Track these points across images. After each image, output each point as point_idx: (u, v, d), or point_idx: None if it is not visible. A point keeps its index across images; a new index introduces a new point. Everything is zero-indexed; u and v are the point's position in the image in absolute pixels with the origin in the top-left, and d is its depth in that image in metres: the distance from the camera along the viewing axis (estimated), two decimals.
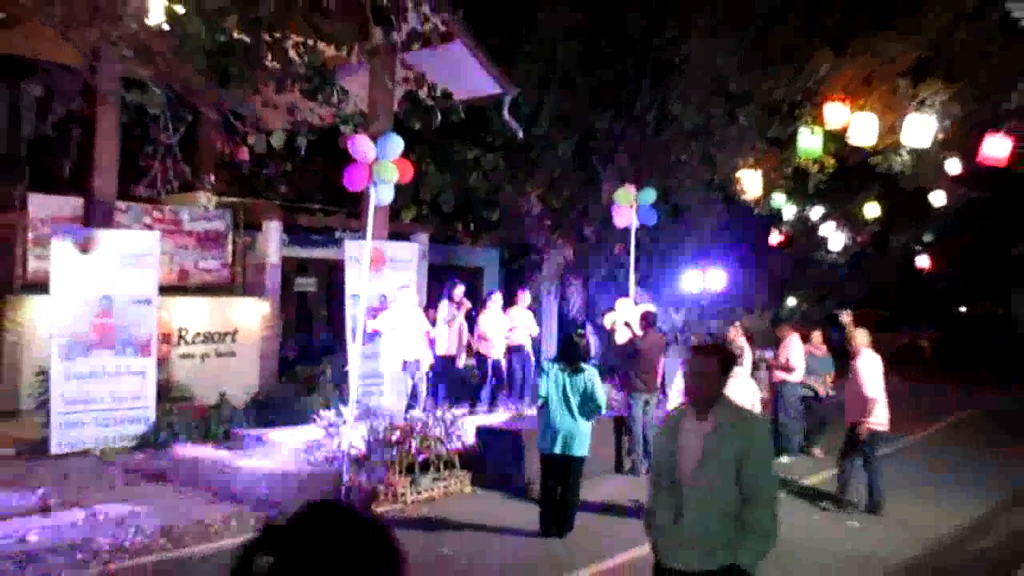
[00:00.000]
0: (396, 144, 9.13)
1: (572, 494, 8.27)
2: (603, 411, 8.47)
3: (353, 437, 9.16)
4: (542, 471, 8.33)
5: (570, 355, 8.25)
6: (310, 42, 7.59)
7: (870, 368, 9.31)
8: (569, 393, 8.11)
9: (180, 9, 6.32)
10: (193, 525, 8.01)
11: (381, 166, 9.06)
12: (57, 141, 12.21)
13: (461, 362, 13.81)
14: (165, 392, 11.76)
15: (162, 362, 11.98)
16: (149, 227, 12.60)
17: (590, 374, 8.20)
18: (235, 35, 6.49)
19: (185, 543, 7.66)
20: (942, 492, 10.54)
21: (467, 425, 10.49)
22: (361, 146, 9.03)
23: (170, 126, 8.87)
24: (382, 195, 9.25)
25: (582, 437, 8.17)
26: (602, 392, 8.24)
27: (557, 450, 8.12)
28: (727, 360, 4.30)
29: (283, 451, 9.69)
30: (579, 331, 8.54)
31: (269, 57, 7.05)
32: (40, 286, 10.95)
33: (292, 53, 7.85)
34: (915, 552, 8.23)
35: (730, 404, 4.19)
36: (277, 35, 6.87)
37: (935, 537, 8.72)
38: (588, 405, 8.11)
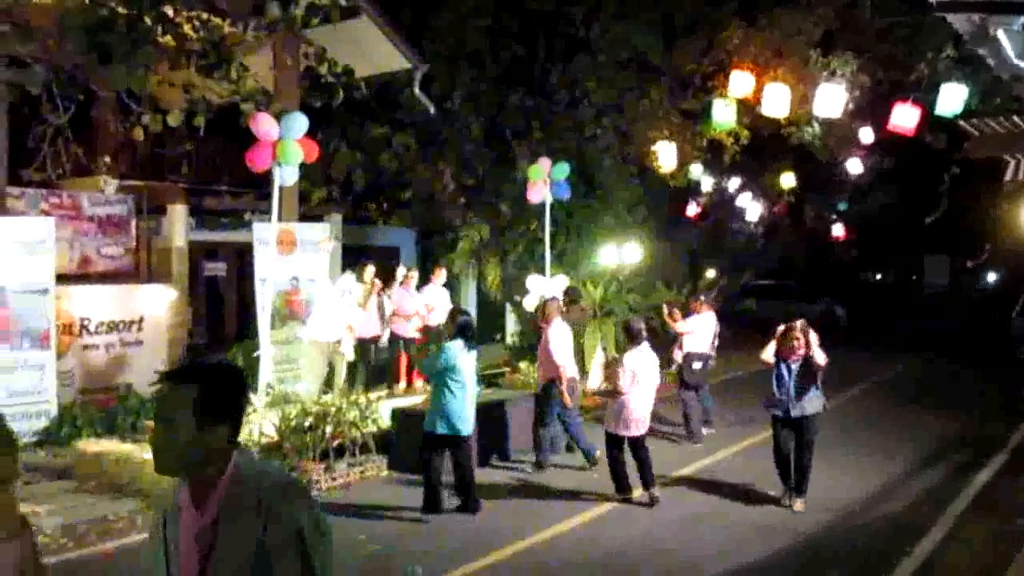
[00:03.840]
0: (300, 123, 8.93)
1: (471, 470, 8.33)
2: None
3: (263, 424, 8.97)
4: (433, 452, 8.22)
5: (465, 333, 8.22)
6: (205, 17, 7.32)
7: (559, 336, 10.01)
8: (466, 371, 8.13)
9: None
10: (97, 522, 7.79)
11: (285, 146, 8.85)
12: None
13: (383, 343, 13.63)
14: (68, 385, 11.37)
15: (65, 354, 11.57)
16: (47, 213, 12.14)
17: (478, 350, 8.38)
18: (118, 10, 6.22)
19: (89, 541, 7.43)
20: (854, 459, 10.77)
21: (383, 408, 10.37)
22: (263, 125, 8.81)
23: (60, 106, 8.49)
24: (287, 176, 9.05)
25: (473, 413, 8.29)
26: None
27: (466, 430, 8.15)
28: (212, 391, 2.48)
29: None
30: (463, 309, 8.55)
31: (160, 32, 6.80)
32: None
33: (187, 28, 7.59)
34: (829, 518, 8.40)
35: (246, 473, 2.50)
36: (164, 9, 6.61)
37: (848, 502, 8.91)
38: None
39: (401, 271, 13.78)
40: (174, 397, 2.48)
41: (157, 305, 13.03)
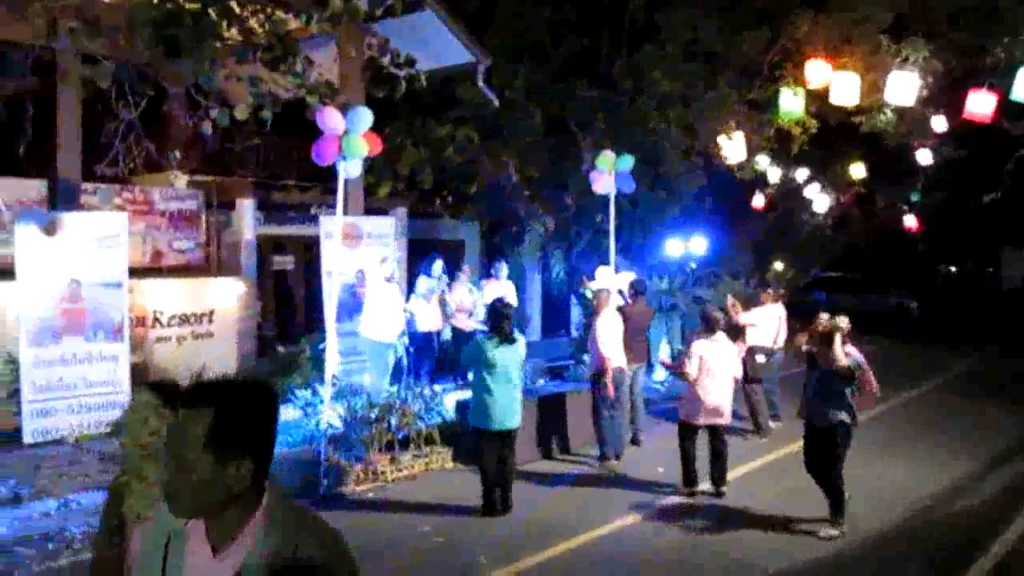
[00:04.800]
0: (365, 117, 8.94)
1: (512, 466, 8.21)
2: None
3: (331, 416, 9.02)
4: (486, 449, 8.07)
5: (499, 326, 8.04)
6: (269, 10, 7.37)
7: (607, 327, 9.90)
8: (505, 365, 7.96)
9: None
10: None
11: (350, 139, 8.87)
12: (9, 122, 11.91)
13: (446, 335, 13.68)
14: (142, 376, 11.58)
15: (138, 346, 11.80)
16: (120, 208, 12.37)
17: (521, 344, 8.15)
18: (184, 4, 6.28)
19: None
20: (928, 454, 10.50)
21: (448, 400, 10.38)
22: (330, 119, 8.84)
23: (131, 102, 8.62)
24: (351, 169, 9.06)
25: (518, 407, 8.12)
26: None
27: (507, 425, 8.01)
28: (230, 416, 2.10)
29: None
30: (504, 303, 8.37)
31: (226, 27, 6.85)
32: (7, 272, 10.71)
33: (253, 23, 7.65)
34: (903, 513, 8.18)
35: (282, 521, 2.15)
36: (229, 4, 6.66)
37: (922, 497, 8.68)
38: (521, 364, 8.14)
39: (461, 268, 13.81)
40: (185, 425, 2.07)
41: (227, 298, 13.22)
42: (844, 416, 7.57)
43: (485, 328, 12.11)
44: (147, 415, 3.20)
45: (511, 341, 8.02)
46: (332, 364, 9.38)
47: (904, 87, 13.13)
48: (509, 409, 8.00)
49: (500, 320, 8.06)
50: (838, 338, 7.61)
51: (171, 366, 12.23)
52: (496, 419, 7.97)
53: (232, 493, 2.06)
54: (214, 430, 2.03)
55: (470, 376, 8.28)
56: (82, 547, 6.97)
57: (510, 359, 8.00)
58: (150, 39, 6.22)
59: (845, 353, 7.66)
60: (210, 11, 6.43)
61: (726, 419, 8.78)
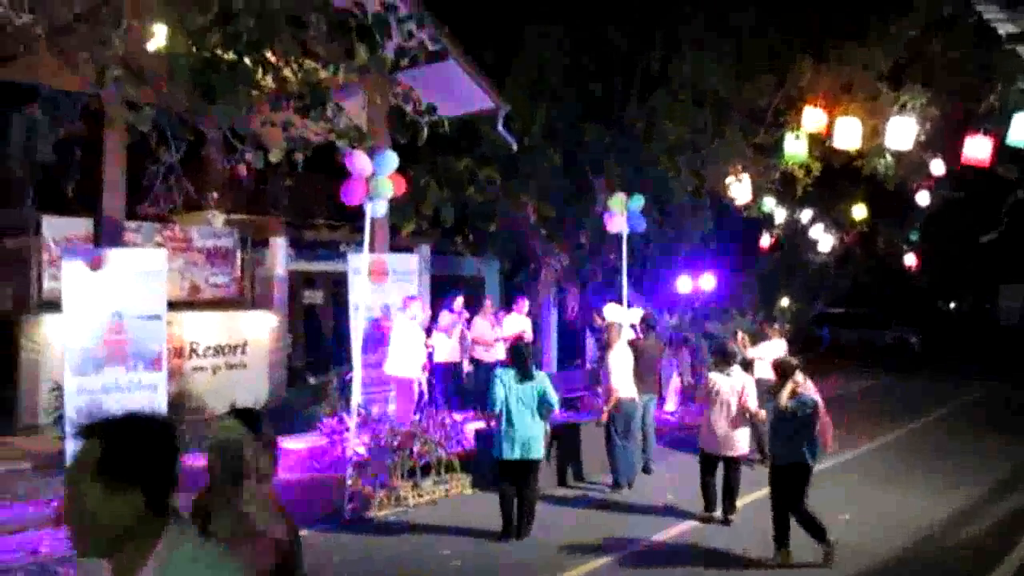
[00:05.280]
0: (391, 160, 9.04)
1: (532, 496, 8.16)
2: (556, 410, 8.38)
3: (356, 443, 9.01)
4: (500, 476, 8.15)
5: (519, 364, 8.10)
6: (301, 61, 7.48)
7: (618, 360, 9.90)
8: (523, 399, 7.99)
9: (163, 29, 6.25)
10: None
11: (377, 181, 8.96)
12: (59, 163, 12.11)
13: (465, 368, 13.71)
14: (178, 404, 11.62)
15: (174, 375, 11.85)
16: (160, 245, 12.49)
17: (540, 379, 8.13)
18: (220, 54, 6.38)
19: None
20: (930, 483, 10.37)
21: (468, 429, 10.36)
22: (358, 162, 8.94)
23: (171, 145, 8.74)
24: (378, 208, 9.14)
25: (538, 440, 8.05)
26: (554, 393, 8.18)
27: (516, 455, 7.99)
28: (117, 447, 2.05)
29: (289, 458, 9.55)
30: (524, 340, 8.40)
31: (261, 74, 6.95)
32: (55, 305, 10.81)
33: (287, 72, 7.75)
34: (905, 542, 8.07)
35: (173, 557, 2.04)
36: (264, 54, 6.76)
37: (924, 526, 8.57)
38: (543, 408, 8.06)
39: (483, 302, 13.85)
40: (80, 455, 2.04)
41: (259, 330, 13.29)
42: (799, 457, 7.34)
43: (504, 360, 12.14)
44: (232, 439, 3.29)
45: (529, 377, 8.03)
46: (357, 394, 9.38)
47: (903, 132, 13.16)
48: (525, 441, 7.97)
49: (519, 358, 8.11)
50: (798, 376, 7.51)
51: (206, 395, 12.29)
52: (511, 449, 7.97)
53: (124, 526, 2.01)
54: (102, 461, 1.99)
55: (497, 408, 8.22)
56: None
57: (527, 394, 8.00)
58: (188, 86, 6.32)
59: (792, 392, 7.45)
60: (245, 59, 6.53)
61: (740, 451, 8.70)
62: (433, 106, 9.74)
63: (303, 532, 3.69)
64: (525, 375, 8.04)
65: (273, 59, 7.17)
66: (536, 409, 8.02)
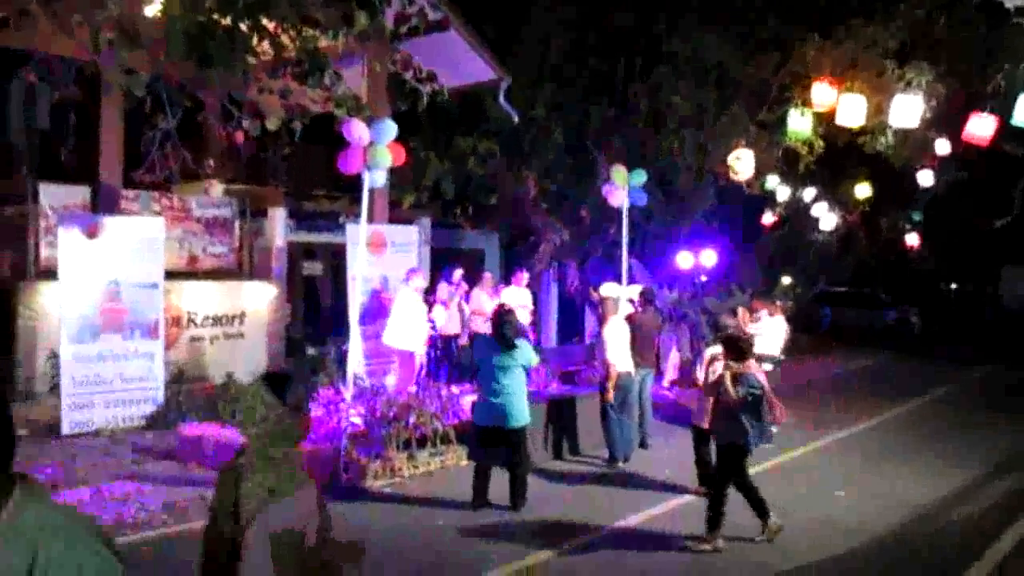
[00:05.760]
0: (390, 129, 8.93)
1: (520, 469, 8.07)
2: (534, 363, 8.33)
3: (352, 414, 8.98)
4: (477, 443, 8.15)
5: (497, 331, 8.06)
6: (299, 27, 7.37)
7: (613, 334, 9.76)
8: (501, 367, 7.94)
9: None
10: (196, 500, 7.86)
11: (375, 150, 8.86)
12: (54, 129, 12.01)
13: (463, 340, 13.66)
14: (176, 373, 11.60)
15: (173, 344, 11.83)
16: (159, 214, 12.42)
17: (523, 347, 8.08)
18: (217, 19, 6.28)
19: (188, 517, 7.50)
20: (926, 463, 10.35)
21: (464, 401, 10.31)
22: (355, 130, 8.83)
23: (168, 112, 8.65)
24: (376, 179, 9.05)
25: (516, 409, 7.98)
26: (533, 357, 8.19)
27: (491, 423, 7.97)
28: None
29: None
30: (507, 310, 8.31)
31: (257, 40, 6.85)
32: (53, 273, 10.78)
33: (285, 39, 7.65)
34: (900, 520, 8.05)
35: (22, 518, 1.88)
36: (261, 19, 6.65)
37: (919, 505, 8.54)
38: (524, 368, 8.07)
39: (481, 275, 13.78)
40: None
41: (258, 301, 13.25)
42: (739, 438, 7.18)
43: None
44: (256, 405, 3.39)
45: (509, 346, 7.97)
46: (353, 364, 9.34)
47: (908, 110, 13.02)
48: (505, 409, 7.93)
49: (500, 326, 8.05)
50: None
51: (204, 364, 12.27)
52: (487, 416, 7.97)
53: None
54: None
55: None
56: (113, 534, 6.93)
57: (508, 363, 7.95)
58: (183, 51, 6.23)
59: (734, 377, 7.21)
60: (241, 25, 6.43)
61: None
62: (433, 73, 9.64)
63: None
64: (504, 343, 7.97)
65: (270, 25, 7.07)
66: (516, 377, 7.96)
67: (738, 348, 7.36)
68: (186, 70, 6.74)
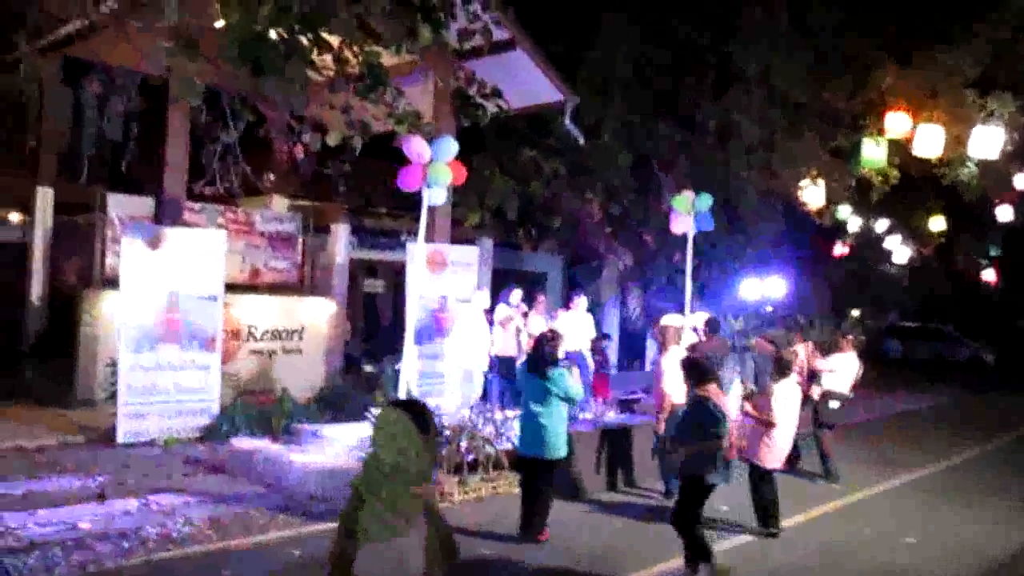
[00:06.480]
0: (450, 146, 8.78)
1: (541, 497, 7.72)
2: (576, 400, 8.00)
3: None
4: (520, 470, 8.03)
5: (531, 358, 7.84)
6: (361, 43, 7.25)
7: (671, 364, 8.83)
8: (535, 396, 7.66)
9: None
10: (241, 517, 7.72)
11: (435, 167, 8.70)
12: (118, 140, 12.13)
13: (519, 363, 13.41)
14: (232, 386, 11.56)
15: (231, 357, 11.78)
16: (222, 227, 12.45)
17: (557, 376, 7.66)
18: (272, 29, 6.18)
19: (231, 535, 7.35)
20: (1002, 510, 9.76)
21: (518, 426, 10.03)
22: (416, 147, 8.69)
23: (230, 125, 8.62)
24: (435, 196, 8.89)
25: (550, 440, 7.64)
26: (571, 385, 7.73)
27: (533, 453, 7.70)
28: None
29: (336, 446, 9.35)
30: (547, 336, 7.97)
31: (317, 53, 6.74)
32: (116, 281, 10.85)
33: (348, 53, 7.54)
34: (970, 570, 7.54)
35: None
36: (320, 31, 6.54)
37: (994, 554, 8.01)
38: (563, 401, 7.71)
39: (537, 298, 13.49)
40: None
41: (318, 317, 13.17)
42: (700, 470, 6.82)
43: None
44: (396, 433, 3.15)
45: (542, 374, 7.65)
46: (406, 383, 9.16)
47: (988, 141, 12.54)
48: (534, 439, 7.67)
49: (535, 352, 7.84)
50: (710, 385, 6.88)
51: (261, 378, 12.21)
52: (523, 445, 7.81)
53: None
54: None
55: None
56: (156, 547, 6.82)
57: (541, 392, 7.65)
58: (237, 59, 6.13)
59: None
60: (302, 39, 6.31)
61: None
62: (498, 89, 9.46)
63: None
64: (537, 371, 7.68)
65: (331, 39, 6.95)
66: (551, 407, 7.63)
67: (698, 371, 6.94)
68: (243, 81, 6.65)
